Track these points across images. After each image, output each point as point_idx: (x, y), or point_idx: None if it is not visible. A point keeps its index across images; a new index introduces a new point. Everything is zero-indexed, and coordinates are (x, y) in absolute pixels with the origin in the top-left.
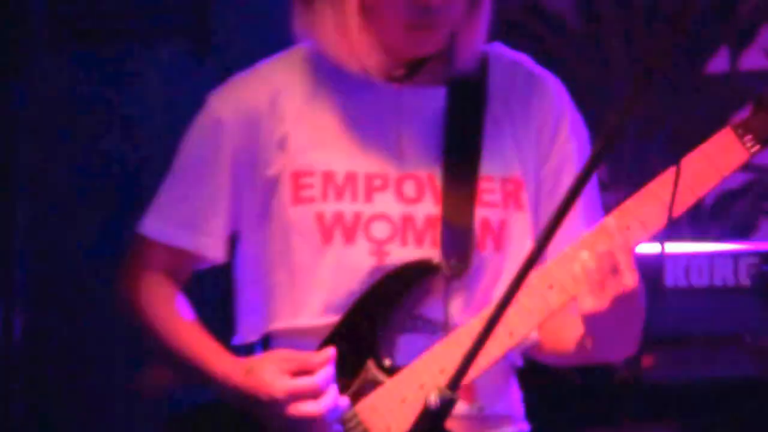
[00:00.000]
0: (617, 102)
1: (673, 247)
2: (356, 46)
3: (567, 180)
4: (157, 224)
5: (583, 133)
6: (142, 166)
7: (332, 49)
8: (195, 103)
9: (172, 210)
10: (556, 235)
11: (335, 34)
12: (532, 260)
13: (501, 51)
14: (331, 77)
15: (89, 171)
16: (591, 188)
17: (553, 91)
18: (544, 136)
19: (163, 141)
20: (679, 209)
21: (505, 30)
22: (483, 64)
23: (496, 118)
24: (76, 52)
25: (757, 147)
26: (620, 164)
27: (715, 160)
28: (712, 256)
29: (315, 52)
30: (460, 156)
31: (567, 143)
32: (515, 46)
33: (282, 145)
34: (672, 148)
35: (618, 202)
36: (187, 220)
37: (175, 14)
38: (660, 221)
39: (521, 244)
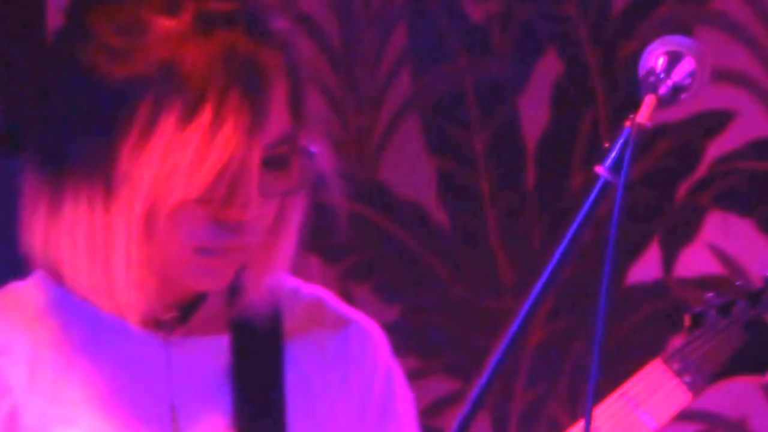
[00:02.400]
0: None
1: None
2: (121, 280)
3: None
4: None
5: (408, 395)
6: None
7: (80, 281)
8: None
9: None
10: None
11: (89, 261)
12: None
13: (295, 285)
14: (75, 322)
15: None
16: None
17: (375, 341)
18: (368, 401)
19: None
20: None
21: None
22: (274, 302)
23: (301, 373)
24: None
25: (701, 384)
26: None
27: (644, 404)
28: None
29: (53, 283)
30: (257, 427)
31: (392, 409)
32: None
33: (12, 423)
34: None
35: None
36: None
37: None
38: None
39: None
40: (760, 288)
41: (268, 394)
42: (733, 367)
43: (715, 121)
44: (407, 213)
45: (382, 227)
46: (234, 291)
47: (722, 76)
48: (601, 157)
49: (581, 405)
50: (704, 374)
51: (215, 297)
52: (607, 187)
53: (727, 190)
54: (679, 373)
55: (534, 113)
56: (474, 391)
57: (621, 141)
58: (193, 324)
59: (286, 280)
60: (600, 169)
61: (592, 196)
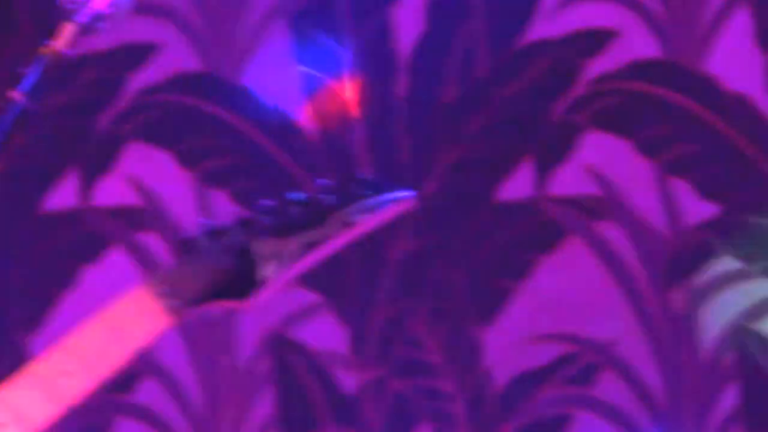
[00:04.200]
0: None
1: None
2: None
3: None
4: None
5: None
6: None
7: None
8: None
9: None
10: None
11: None
12: None
13: None
14: None
15: None
16: None
17: None
18: None
19: None
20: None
21: None
22: None
23: None
24: None
25: (182, 308)
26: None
27: (126, 328)
28: None
29: None
30: None
31: None
32: None
33: None
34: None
35: None
36: None
37: None
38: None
39: None
40: (251, 216)
41: None
42: (217, 292)
43: (138, 54)
44: None
45: None
46: None
47: (147, 8)
48: (19, 83)
49: None
50: (185, 298)
51: None
52: (23, 113)
53: (148, 121)
54: (161, 297)
55: None
56: None
57: (37, 67)
58: None
59: None
60: (16, 95)
61: (6, 121)
